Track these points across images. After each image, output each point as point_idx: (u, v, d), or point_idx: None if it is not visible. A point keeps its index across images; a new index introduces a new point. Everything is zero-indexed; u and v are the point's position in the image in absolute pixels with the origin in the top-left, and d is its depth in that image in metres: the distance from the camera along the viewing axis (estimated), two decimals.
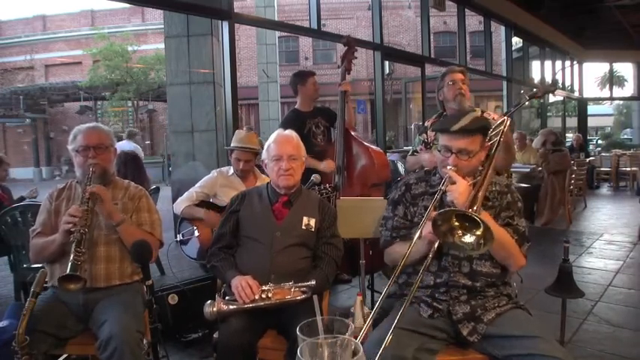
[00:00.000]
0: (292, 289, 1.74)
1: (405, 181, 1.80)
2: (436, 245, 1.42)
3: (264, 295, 1.71)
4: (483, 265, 1.59)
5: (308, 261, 1.94)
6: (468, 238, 1.30)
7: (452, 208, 1.35)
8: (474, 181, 1.50)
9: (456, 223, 1.30)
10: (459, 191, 1.44)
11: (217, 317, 1.70)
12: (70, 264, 1.66)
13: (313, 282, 1.76)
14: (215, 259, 1.92)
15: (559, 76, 11.36)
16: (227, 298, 1.78)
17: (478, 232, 1.28)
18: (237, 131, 3.01)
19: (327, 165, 3.26)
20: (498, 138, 1.67)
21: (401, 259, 1.40)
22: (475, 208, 1.31)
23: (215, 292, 1.98)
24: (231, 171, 2.90)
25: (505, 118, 1.79)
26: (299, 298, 1.72)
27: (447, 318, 1.57)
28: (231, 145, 2.88)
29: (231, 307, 1.70)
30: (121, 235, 1.90)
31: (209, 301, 1.71)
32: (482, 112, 2.64)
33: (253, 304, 1.70)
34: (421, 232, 1.44)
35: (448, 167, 1.53)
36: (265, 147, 2.03)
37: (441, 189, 1.49)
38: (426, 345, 1.49)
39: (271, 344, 1.74)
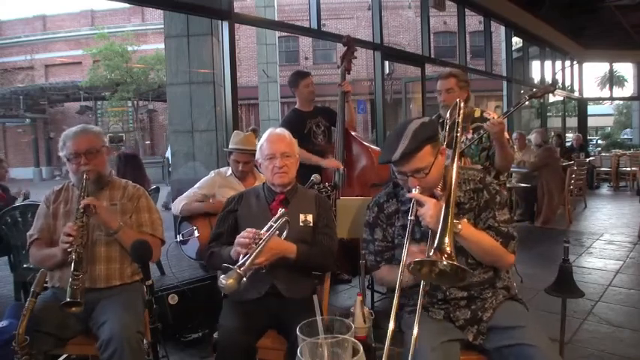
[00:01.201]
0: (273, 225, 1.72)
1: (375, 201, 1.73)
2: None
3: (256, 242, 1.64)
4: (472, 275, 1.53)
5: None
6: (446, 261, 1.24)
7: (423, 260, 1.26)
8: (442, 194, 1.41)
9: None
10: (429, 214, 1.37)
11: (238, 286, 1.50)
12: (68, 290, 1.64)
13: (282, 209, 1.76)
14: (211, 250, 1.91)
15: (559, 76, 11.37)
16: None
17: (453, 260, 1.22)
18: (234, 132, 2.97)
19: (329, 163, 3.25)
20: (455, 132, 1.55)
21: (395, 291, 1.34)
22: (448, 253, 1.24)
23: (216, 291, 1.95)
24: (230, 172, 2.89)
25: (457, 100, 1.66)
26: (282, 218, 1.73)
27: (448, 322, 1.56)
28: (229, 147, 2.86)
29: (247, 263, 1.54)
30: (120, 241, 1.89)
31: (222, 276, 1.50)
32: (482, 112, 2.65)
33: (259, 248, 1.60)
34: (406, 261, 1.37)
35: (413, 191, 1.44)
36: (258, 146, 2.02)
37: (411, 219, 1.41)
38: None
39: (271, 344, 1.74)
